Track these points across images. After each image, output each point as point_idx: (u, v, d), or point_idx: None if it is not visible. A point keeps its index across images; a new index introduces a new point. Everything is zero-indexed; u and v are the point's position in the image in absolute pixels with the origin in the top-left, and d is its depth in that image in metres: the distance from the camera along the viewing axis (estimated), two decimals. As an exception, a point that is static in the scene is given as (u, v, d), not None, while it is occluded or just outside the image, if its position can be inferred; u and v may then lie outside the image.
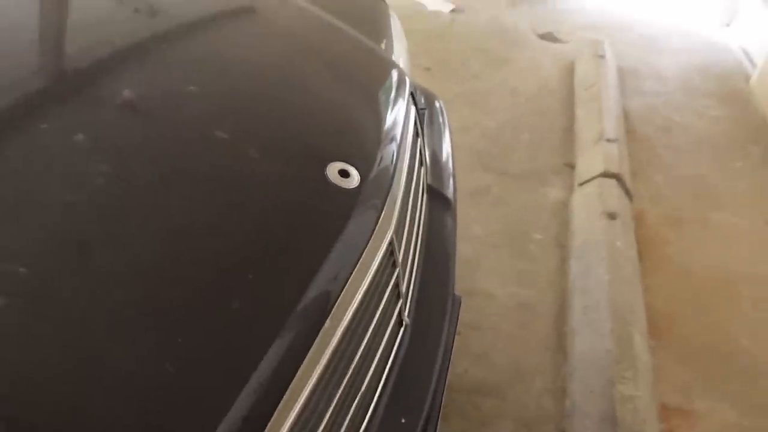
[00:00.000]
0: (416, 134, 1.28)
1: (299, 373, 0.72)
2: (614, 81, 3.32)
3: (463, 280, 2.07)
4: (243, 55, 1.13)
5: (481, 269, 2.14)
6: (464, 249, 2.19)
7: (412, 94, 1.30)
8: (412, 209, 1.13)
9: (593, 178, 2.44)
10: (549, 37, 4.16)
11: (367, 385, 0.91)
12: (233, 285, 0.73)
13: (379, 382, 0.97)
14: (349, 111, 1.08)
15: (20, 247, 0.67)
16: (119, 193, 0.76)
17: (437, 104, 1.86)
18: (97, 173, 0.77)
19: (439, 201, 1.44)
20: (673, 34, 4.46)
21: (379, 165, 0.97)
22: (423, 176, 1.32)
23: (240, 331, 0.70)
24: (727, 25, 4.69)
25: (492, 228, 2.33)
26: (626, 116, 3.16)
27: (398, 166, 1.03)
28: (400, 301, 1.05)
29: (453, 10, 4.42)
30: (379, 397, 0.97)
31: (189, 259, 0.74)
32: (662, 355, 1.90)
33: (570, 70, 3.62)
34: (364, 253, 0.87)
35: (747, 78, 3.83)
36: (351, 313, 0.83)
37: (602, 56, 3.55)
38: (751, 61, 4.01)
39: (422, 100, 1.76)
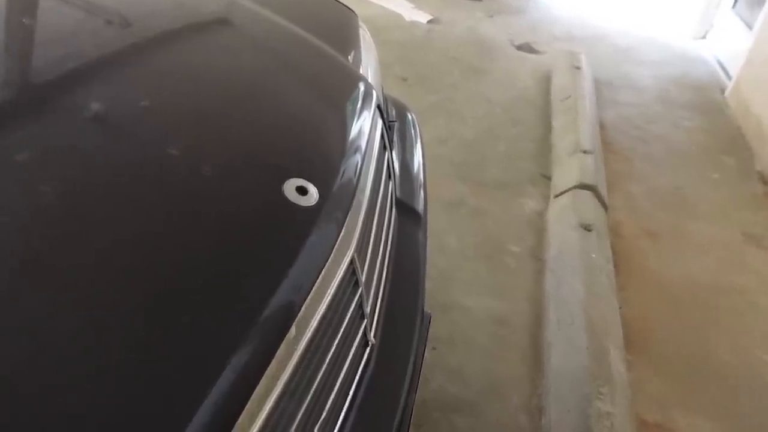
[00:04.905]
0: (383, 147, 1.25)
1: (255, 394, 0.68)
2: (590, 92, 3.33)
3: (437, 294, 2.04)
4: (203, 68, 1.09)
5: (456, 282, 2.11)
6: (439, 261, 2.16)
7: (378, 107, 1.26)
8: (377, 225, 1.09)
9: (569, 190, 2.42)
10: (526, 47, 4.17)
11: (332, 405, 0.88)
12: (179, 316, 0.69)
13: (345, 401, 0.94)
14: (309, 125, 1.04)
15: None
16: (66, 213, 0.72)
17: (409, 116, 1.83)
18: (45, 187, 0.73)
19: (408, 215, 1.41)
20: (649, 46, 4.50)
21: (340, 181, 0.93)
22: (391, 190, 1.29)
23: (185, 361, 0.66)
24: (703, 37, 4.74)
25: (467, 240, 2.30)
26: (602, 127, 3.16)
27: (361, 181, 1.00)
28: (365, 321, 1.02)
29: (430, 21, 4.42)
30: (346, 415, 0.93)
31: (137, 281, 0.70)
32: (639, 369, 1.88)
33: (547, 81, 3.62)
34: (322, 275, 0.83)
35: (722, 89, 3.86)
36: (309, 336, 0.80)
37: (578, 67, 3.55)
38: (726, 72, 4.05)
39: (393, 113, 1.73)
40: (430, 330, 1.35)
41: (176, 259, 0.74)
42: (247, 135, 0.94)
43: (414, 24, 4.32)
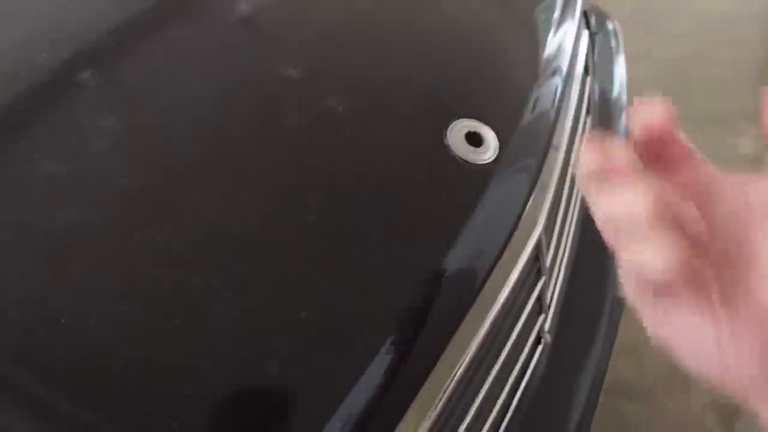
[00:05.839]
0: (585, 71, 0.92)
1: (421, 393, 0.53)
2: (838, 5, 2.63)
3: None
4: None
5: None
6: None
7: (585, 13, 0.92)
8: (569, 187, 0.78)
9: (803, 132, 1.90)
10: (750, -55, 3.41)
11: (495, 415, 0.69)
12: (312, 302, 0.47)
13: (509, 409, 0.73)
14: (487, 40, 0.73)
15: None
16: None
17: (609, 26, 1.45)
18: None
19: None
20: None
21: (528, 125, 0.64)
22: (588, 129, 0.96)
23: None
24: None
25: (658, 188, 1.90)
26: None
27: (559, 124, 0.69)
28: (542, 316, 0.74)
29: None
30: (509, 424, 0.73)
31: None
32: None
33: (776, -11, 2.93)
34: (498, 265, 0.56)
35: None
36: (480, 338, 0.59)
37: (824, -28, 2.82)
38: None
39: (591, 21, 1.36)
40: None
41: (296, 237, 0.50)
42: (398, 54, 0.66)
43: None
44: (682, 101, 1.87)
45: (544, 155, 0.63)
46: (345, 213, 0.53)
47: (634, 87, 2.22)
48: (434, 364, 0.54)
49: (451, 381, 0.56)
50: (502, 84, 0.69)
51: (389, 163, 0.55)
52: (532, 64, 0.74)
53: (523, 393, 0.76)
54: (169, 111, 0.58)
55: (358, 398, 0.48)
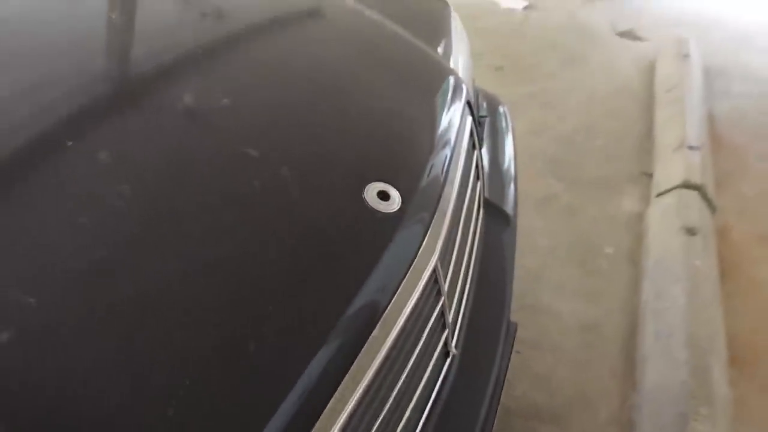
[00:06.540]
0: (473, 146, 1.19)
1: (332, 402, 0.67)
2: (699, 83, 3.09)
3: (525, 295, 1.96)
4: (287, 63, 1.07)
5: (546, 284, 2.02)
6: (529, 261, 2.08)
7: (468, 103, 1.20)
8: (463, 231, 1.03)
9: (672, 189, 2.26)
10: (629, 35, 3.94)
11: (408, 417, 0.85)
12: (255, 324, 0.67)
13: (422, 414, 0.91)
14: (393, 124, 0.99)
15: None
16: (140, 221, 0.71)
17: (501, 109, 1.75)
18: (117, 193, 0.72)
19: (497, 217, 1.34)
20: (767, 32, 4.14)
21: (424, 185, 0.89)
22: (479, 191, 1.22)
23: (266, 369, 0.64)
24: (831, 21, 4.30)
25: (559, 239, 2.20)
26: (712, 121, 2.94)
27: (447, 185, 0.94)
28: (446, 331, 0.97)
29: (526, 7, 4.25)
30: (423, 429, 0.90)
31: (217, 284, 0.68)
32: (745, 388, 1.73)
33: (651, 71, 3.40)
34: (403, 285, 0.79)
35: None
36: (387, 347, 0.76)
37: (686, 55, 3.31)
38: None
39: (483, 106, 1.66)
40: (516, 333, 1.29)
41: (250, 265, 0.71)
42: (329, 136, 0.91)
43: (509, 10, 4.18)
44: (577, 167, 2.25)
45: (435, 206, 0.88)
46: (293, 251, 0.75)
47: (537, 156, 2.58)
48: (350, 366, 0.69)
49: (366, 380, 0.71)
50: (407, 155, 0.94)
51: (324, 213, 0.78)
52: (429, 138, 1.00)
53: (435, 399, 0.96)
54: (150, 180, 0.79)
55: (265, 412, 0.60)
